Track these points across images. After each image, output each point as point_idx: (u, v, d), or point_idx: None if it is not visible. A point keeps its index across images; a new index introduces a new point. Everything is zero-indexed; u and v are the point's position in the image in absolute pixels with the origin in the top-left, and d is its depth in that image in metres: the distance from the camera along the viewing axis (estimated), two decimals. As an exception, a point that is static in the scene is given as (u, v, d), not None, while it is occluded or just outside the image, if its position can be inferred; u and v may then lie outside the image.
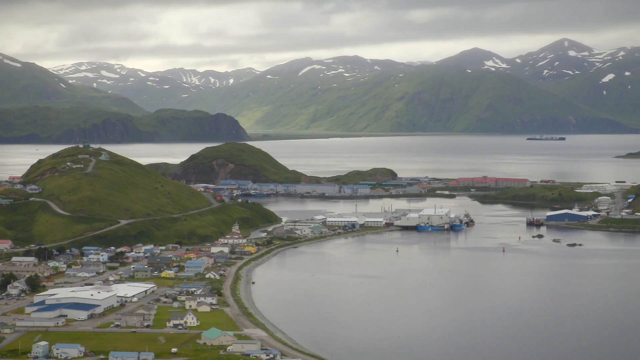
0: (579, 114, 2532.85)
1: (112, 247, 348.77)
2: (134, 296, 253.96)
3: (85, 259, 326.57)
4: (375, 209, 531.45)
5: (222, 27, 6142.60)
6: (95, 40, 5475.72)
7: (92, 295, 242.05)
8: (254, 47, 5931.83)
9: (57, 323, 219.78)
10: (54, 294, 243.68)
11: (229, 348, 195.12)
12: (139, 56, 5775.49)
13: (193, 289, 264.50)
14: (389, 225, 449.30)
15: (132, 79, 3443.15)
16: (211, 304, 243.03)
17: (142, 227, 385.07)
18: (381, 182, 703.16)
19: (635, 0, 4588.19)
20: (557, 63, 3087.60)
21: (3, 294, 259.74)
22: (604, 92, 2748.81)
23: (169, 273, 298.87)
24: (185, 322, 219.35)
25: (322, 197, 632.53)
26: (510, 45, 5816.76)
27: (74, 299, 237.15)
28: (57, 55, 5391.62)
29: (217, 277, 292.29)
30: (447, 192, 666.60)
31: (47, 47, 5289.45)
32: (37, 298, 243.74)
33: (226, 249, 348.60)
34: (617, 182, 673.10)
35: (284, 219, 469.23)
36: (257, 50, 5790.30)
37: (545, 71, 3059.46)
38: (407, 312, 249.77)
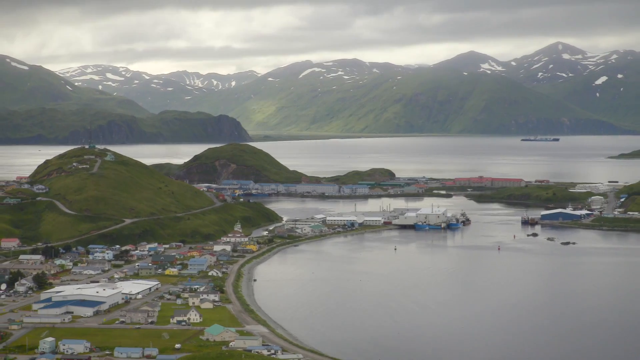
0: (573, 116, 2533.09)
1: (117, 246, 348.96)
2: (138, 293, 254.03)
3: (90, 257, 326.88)
4: (373, 208, 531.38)
5: (252, 29, 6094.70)
6: (130, 42, 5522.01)
7: (97, 292, 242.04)
8: (291, 49, 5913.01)
9: (64, 319, 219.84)
10: (61, 291, 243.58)
11: (231, 344, 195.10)
12: (169, 58, 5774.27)
13: (196, 287, 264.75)
14: (387, 224, 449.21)
15: (137, 82, 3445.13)
16: (214, 301, 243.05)
17: (146, 225, 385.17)
18: (380, 182, 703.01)
19: (627, 6, 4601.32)
20: (551, 66, 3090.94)
21: (11, 291, 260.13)
22: (597, 94, 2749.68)
23: (172, 271, 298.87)
24: (189, 319, 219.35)
25: (322, 197, 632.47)
26: (505, 49, 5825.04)
27: (80, 296, 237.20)
28: (95, 56, 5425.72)
29: (220, 274, 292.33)
30: (444, 192, 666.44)
31: (85, 48, 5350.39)
32: (44, 295, 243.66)
33: (228, 247, 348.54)
34: (609, 182, 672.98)
35: (285, 218, 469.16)
36: (291, 52, 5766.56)
37: (540, 74, 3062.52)
38: (405, 309, 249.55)
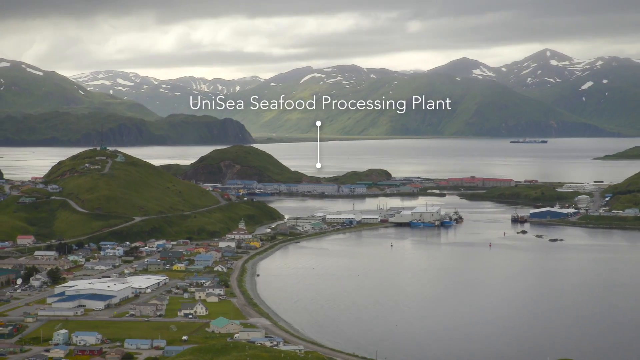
0: (560, 119, 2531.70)
1: (127, 242, 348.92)
2: (147, 288, 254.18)
3: (102, 253, 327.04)
4: (371, 206, 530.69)
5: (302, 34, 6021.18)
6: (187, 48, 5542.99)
7: (108, 286, 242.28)
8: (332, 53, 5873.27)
9: (76, 312, 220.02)
10: (74, 286, 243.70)
11: (235, 336, 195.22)
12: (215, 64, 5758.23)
13: (202, 281, 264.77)
14: (383, 221, 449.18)
15: (146, 87, 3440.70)
16: (219, 295, 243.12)
17: (155, 223, 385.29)
18: (377, 182, 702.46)
19: (612, 15, 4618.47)
20: (539, 71, 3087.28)
21: (26, 286, 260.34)
22: (583, 99, 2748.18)
23: (179, 266, 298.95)
24: (195, 312, 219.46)
25: (322, 196, 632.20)
26: (496, 55, 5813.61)
27: (92, 290, 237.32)
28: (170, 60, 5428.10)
29: (225, 270, 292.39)
30: (437, 191, 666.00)
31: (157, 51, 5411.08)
32: (57, 289, 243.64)
33: (233, 244, 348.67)
34: (595, 182, 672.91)
35: (287, 216, 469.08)
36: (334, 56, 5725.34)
37: (529, 79, 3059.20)
38: (402, 302, 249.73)
